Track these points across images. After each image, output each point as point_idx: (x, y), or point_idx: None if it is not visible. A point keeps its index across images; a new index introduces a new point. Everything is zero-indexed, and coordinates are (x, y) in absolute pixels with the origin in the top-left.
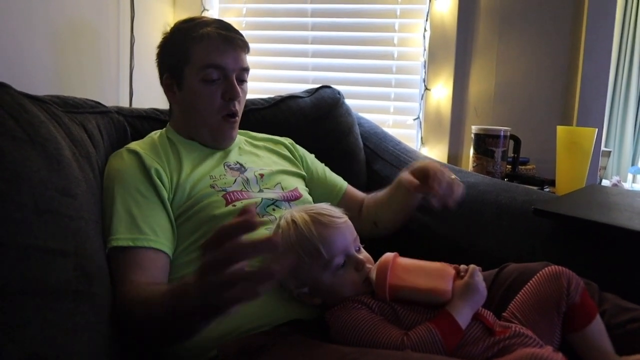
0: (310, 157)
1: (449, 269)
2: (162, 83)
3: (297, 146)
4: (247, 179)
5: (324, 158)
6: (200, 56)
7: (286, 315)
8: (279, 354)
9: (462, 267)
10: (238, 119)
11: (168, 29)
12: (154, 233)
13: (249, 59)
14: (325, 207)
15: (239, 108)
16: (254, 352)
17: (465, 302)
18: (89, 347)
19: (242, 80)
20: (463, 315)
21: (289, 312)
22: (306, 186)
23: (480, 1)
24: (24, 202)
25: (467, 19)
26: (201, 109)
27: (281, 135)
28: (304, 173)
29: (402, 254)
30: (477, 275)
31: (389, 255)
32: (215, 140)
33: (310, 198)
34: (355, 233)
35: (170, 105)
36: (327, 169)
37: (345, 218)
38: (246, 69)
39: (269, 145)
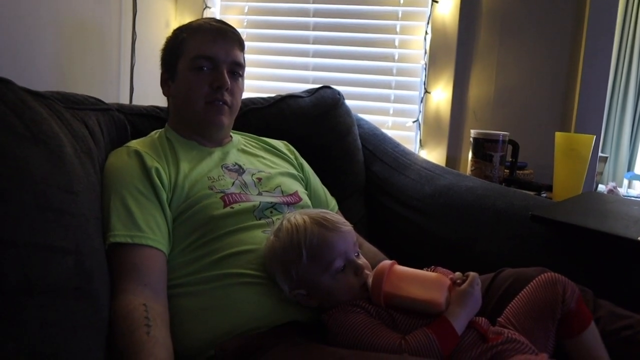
0: (308, 167)
1: (444, 279)
2: (161, 81)
3: (297, 153)
4: (245, 183)
5: (323, 158)
6: (192, 47)
7: (284, 317)
8: (278, 355)
9: (458, 274)
10: (227, 107)
11: (169, 26)
12: (151, 231)
13: (250, 57)
14: (329, 212)
15: (231, 99)
16: (252, 353)
17: (462, 309)
18: (87, 344)
19: (235, 74)
20: (459, 322)
21: (286, 314)
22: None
23: (482, 5)
24: (25, 199)
25: (468, 23)
26: (189, 97)
27: (280, 135)
28: (303, 176)
29: (400, 257)
30: (477, 284)
31: (386, 262)
32: (203, 127)
33: (309, 202)
34: (355, 239)
35: (167, 103)
36: (323, 186)
37: (349, 226)
38: (239, 64)
39: (269, 147)
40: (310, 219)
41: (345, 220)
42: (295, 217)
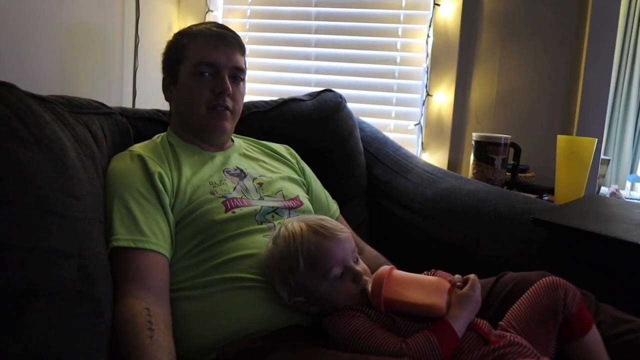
0: (309, 172)
1: (444, 283)
2: (162, 86)
3: (298, 157)
4: (247, 188)
5: (325, 162)
6: (193, 52)
7: (285, 320)
8: (279, 358)
9: (457, 277)
10: (229, 112)
11: (172, 29)
12: (154, 236)
13: (252, 60)
14: (327, 218)
15: (232, 104)
16: (253, 356)
17: (463, 311)
18: (90, 348)
19: (236, 78)
20: (460, 324)
21: (288, 318)
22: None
23: (484, 8)
24: (28, 203)
25: (470, 26)
26: (191, 103)
27: (282, 139)
28: (304, 181)
29: (401, 260)
30: (478, 287)
31: (385, 268)
32: (205, 132)
33: (310, 207)
34: (354, 245)
35: (169, 107)
36: (324, 190)
37: (347, 233)
38: (240, 69)
39: (271, 152)
40: (308, 227)
41: (344, 227)
42: (293, 224)
